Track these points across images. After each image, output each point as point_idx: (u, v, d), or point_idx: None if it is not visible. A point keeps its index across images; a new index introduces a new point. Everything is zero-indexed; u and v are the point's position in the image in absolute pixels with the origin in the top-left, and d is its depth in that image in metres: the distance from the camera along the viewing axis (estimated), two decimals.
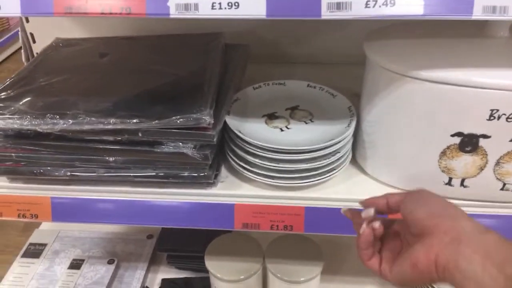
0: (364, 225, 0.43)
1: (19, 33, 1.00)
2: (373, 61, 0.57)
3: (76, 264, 0.93)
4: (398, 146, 0.59)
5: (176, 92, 0.63)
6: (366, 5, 0.43)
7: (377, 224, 0.42)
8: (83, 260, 0.93)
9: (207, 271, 0.84)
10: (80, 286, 0.88)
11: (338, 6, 0.43)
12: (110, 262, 0.93)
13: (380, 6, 0.43)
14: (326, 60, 0.93)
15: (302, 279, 0.79)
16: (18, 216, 0.64)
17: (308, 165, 0.60)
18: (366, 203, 0.46)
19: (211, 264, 0.82)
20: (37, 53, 0.99)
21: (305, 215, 0.61)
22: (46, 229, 1.05)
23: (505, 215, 0.58)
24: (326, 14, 0.43)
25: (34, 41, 1.00)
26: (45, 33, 0.92)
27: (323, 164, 0.60)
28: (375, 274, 0.42)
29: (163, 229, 1.00)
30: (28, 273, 0.93)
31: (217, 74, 0.68)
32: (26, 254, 0.98)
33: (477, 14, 0.42)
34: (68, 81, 0.66)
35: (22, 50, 1.02)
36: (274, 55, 0.94)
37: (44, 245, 1.00)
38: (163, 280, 0.92)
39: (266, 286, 0.85)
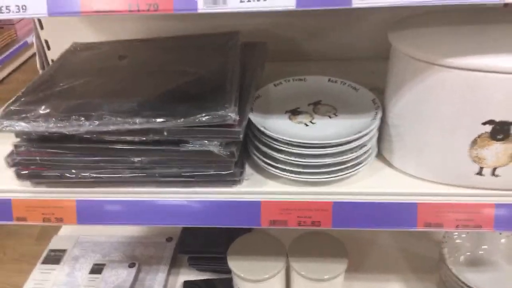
0: None
1: (34, 40, 1.01)
2: (399, 51, 0.56)
3: (97, 269, 0.92)
4: (427, 137, 0.58)
5: (198, 91, 0.63)
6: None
7: None
8: (104, 265, 0.93)
9: (228, 272, 0.84)
10: None
11: None
12: (131, 265, 0.93)
13: None
14: (342, 56, 0.93)
15: (326, 276, 0.78)
16: (43, 220, 0.64)
17: (335, 159, 0.59)
18: None
19: (233, 263, 0.81)
20: (52, 60, 1.00)
21: (333, 210, 0.60)
22: (65, 235, 1.05)
23: None
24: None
25: (48, 48, 1.00)
26: (59, 40, 0.92)
27: (350, 158, 0.60)
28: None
29: (183, 231, 0.99)
30: (49, 279, 0.93)
31: (238, 72, 0.67)
32: (46, 261, 0.98)
33: None
34: (90, 84, 0.66)
35: (37, 57, 1.02)
36: (290, 53, 0.94)
37: (64, 251, 1.00)
38: (185, 282, 0.91)
39: (290, 285, 0.84)
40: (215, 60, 0.71)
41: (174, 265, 0.97)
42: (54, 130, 0.56)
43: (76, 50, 0.80)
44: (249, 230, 0.92)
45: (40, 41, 0.99)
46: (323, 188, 0.61)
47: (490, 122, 0.53)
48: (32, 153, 0.61)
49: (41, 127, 0.56)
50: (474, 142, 0.55)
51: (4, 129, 0.56)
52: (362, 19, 0.88)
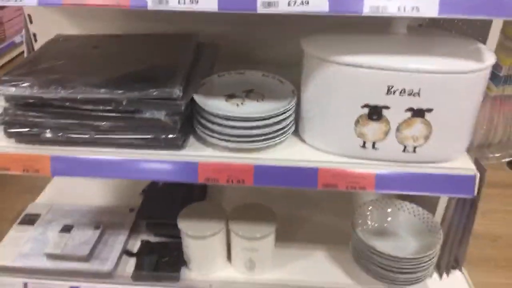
0: None
1: (23, 32, 1.16)
2: (305, 51, 0.74)
3: (66, 229, 1.07)
4: (325, 118, 0.76)
5: (154, 75, 0.79)
6: (289, 4, 0.60)
7: None
8: (72, 226, 1.08)
9: (180, 237, 0.99)
10: (69, 246, 1.02)
11: (269, 4, 0.61)
12: (96, 227, 1.07)
13: (298, 5, 0.60)
14: (287, 62, 1.10)
15: (258, 235, 0.94)
16: (23, 170, 0.79)
17: (257, 131, 0.76)
18: None
19: (182, 224, 0.97)
20: None
21: (254, 171, 0.77)
22: (40, 203, 1.20)
23: (408, 172, 0.75)
24: (260, 9, 0.61)
25: (36, 40, 1.16)
26: (46, 33, 1.08)
27: (269, 131, 0.77)
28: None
29: (143, 201, 1.15)
30: (23, 237, 1.07)
31: (188, 63, 0.85)
32: (22, 222, 1.12)
33: (366, 11, 0.60)
34: (67, 65, 0.82)
35: (25, 48, 1.18)
36: (244, 56, 1.11)
37: (38, 215, 1.14)
38: (142, 241, 1.06)
39: (230, 244, 1.00)
40: (172, 54, 0.88)
41: (134, 230, 1.12)
42: (36, 95, 0.72)
43: (58, 39, 0.96)
44: (199, 200, 1.08)
45: (29, 34, 1.15)
46: (248, 154, 0.78)
47: (366, 105, 0.71)
48: (18, 116, 0.77)
49: (26, 92, 0.72)
50: (357, 121, 0.73)
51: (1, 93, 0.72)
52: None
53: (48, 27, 1.09)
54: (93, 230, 1.07)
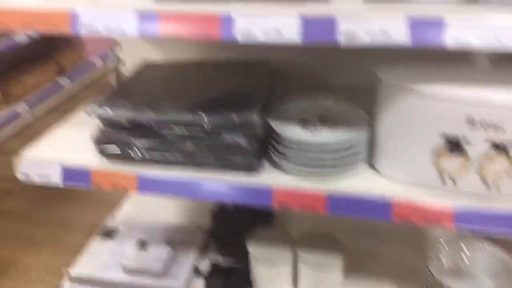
0: None
1: (108, 55, 1.28)
2: (382, 79, 0.75)
3: (141, 244, 1.13)
4: (401, 148, 0.76)
5: (233, 100, 0.84)
6: (369, 36, 0.62)
7: None
8: (147, 242, 1.14)
9: (247, 261, 1.01)
10: (144, 261, 1.08)
11: (352, 37, 0.63)
12: (168, 245, 1.13)
13: (379, 37, 0.62)
14: (358, 88, 1.10)
15: (325, 265, 0.94)
16: (112, 187, 0.86)
17: (331, 156, 0.78)
18: None
19: (252, 247, 0.99)
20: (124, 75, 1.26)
21: (327, 200, 0.78)
22: (118, 217, 1.28)
23: (488, 209, 0.72)
24: (343, 42, 0.63)
25: (123, 64, 1.27)
26: (132, 58, 1.18)
27: (342, 158, 0.78)
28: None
29: (213, 222, 1.19)
30: (103, 249, 1.15)
31: (264, 90, 0.89)
32: (101, 235, 1.20)
33: (450, 44, 0.60)
34: (155, 91, 0.89)
35: (114, 72, 1.29)
36: (314, 82, 1.14)
37: (116, 229, 1.22)
38: (212, 263, 1.09)
39: (297, 272, 1.00)
40: (249, 80, 0.93)
41: (204, 250, 1.16)
42: (128, 116, 0.79)
43: (146, 66, 1.05)
44: (267, 224, 1.10)
45: (118, 58, 1.26)
46: (321, 181, 0.80)
47: (445, 138, 0.70)
48: (110, 135, 0.84)
49: (121, 114, 0.79)
50: (435, 153, 0.72)
51: (100, 115, 0.80)
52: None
53: (134, 52, 1.19)
54: (166, 247, 1.12)
